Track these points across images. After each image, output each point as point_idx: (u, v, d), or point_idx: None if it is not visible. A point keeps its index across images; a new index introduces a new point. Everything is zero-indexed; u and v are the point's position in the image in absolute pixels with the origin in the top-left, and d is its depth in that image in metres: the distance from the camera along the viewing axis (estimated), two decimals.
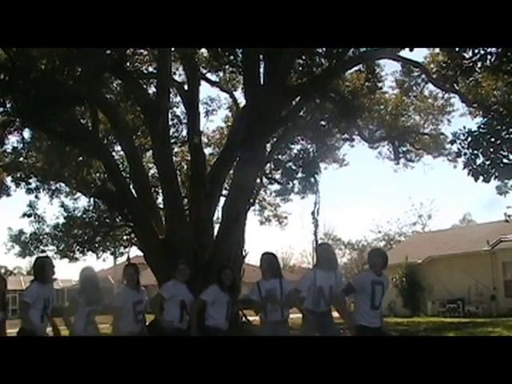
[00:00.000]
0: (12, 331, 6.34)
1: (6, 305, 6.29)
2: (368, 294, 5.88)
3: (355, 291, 5.99)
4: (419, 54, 20.14)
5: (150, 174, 18.22)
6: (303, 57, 15.19)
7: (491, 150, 9.00)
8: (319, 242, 21.80)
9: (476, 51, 10.50)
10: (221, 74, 18.44)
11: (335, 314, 6.54)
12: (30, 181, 18.48)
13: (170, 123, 17.13)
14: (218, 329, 6.37)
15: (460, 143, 9.17)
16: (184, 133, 18.55)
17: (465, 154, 9.10)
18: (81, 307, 6.17)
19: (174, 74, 17.33)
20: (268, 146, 16.61)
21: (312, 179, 17.52)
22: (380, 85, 17.74)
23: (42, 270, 6.24)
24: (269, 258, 6.66)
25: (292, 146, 19.05)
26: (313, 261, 40.11)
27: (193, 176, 15.94)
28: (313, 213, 18.02)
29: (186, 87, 17.00)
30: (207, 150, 19.72)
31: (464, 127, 9.27)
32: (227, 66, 17.27)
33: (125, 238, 21.49)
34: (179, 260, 7.47)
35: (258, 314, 6.68)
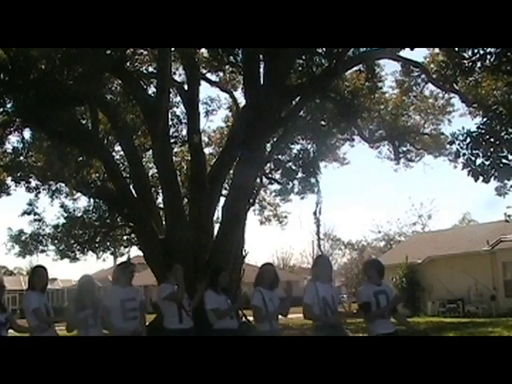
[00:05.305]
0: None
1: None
2: (374, 306, 5.87)
3: (371, 305, 5.90)
4: (419, 54, 20.09)
5: (150, 174, 18.22)
6: (303, 57, 15.21)
7: (491, 150, 9.01)
8: (320, 242, 21.79)
9: (476, 51, 10.53)
10: (221, 74, 18.47)
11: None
12: (30, 180, 18.49)
13: (170, 123, 17.13)
14: (228, 330, 6.36)
15: (459, 144, 9.18)
16: (184, 133, 18.55)
17: (464, 154, 9.10)
18: (76, 315, 6.15)
19: (174, 74, 17.36)
20: (268, 145, 16.63)
21: (312, 179, 17.55)
22: (380, 85, 17.79)
23: (39, 279, 6.21)
24: (274, 270, 6.63)
25: (292, 146, 19.06)
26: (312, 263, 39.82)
27: (193, 176, 15.95)
28: (314, 213, 18.05)
29: (185, 87, 17.01)
30: (207, 150, 19.77)
31: (463, 128, 9.27)
32: (227, 66, 17.30)
33: (125, 238, 21.50)
34: (172, 260, 7.45)
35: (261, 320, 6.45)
